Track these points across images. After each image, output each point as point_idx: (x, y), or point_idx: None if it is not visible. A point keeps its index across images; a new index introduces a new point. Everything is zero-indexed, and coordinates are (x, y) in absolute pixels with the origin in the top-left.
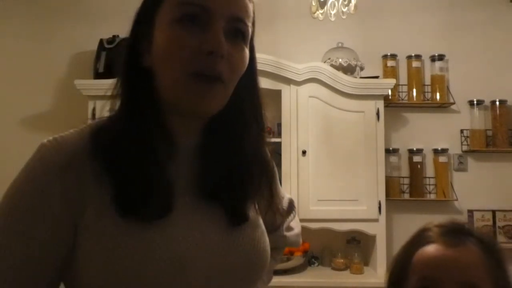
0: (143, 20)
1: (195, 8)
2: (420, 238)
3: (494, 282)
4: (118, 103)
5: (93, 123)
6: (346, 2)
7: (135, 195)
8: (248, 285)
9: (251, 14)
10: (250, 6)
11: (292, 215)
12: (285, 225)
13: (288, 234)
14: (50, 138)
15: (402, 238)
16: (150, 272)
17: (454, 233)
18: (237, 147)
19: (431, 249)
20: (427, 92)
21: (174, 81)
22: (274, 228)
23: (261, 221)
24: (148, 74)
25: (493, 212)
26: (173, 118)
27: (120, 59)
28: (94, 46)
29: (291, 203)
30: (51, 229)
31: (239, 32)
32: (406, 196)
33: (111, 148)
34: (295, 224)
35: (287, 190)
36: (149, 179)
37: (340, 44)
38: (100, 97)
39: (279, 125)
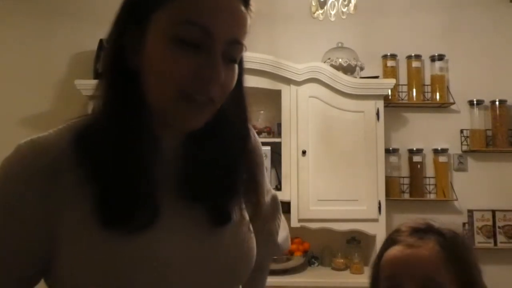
0: (134, 18)
1: (197, 31)
2: (389, 240)
3: (455, 276)
4: (100, 104)
5: (72, 124)
6: (346, 2)
7: (120, 207)
8: (234, 286)
9: (248, 30)
10: (248, 21)
11: (278, 217)
12: (275, 230)
13: (280, 241)
14: (28, 139)
15: None
16: (135, 280)
17: (418, 232)
18: (220, 148)
19: (394, 250)
20: (427, 92)
21: (164, 97)
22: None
23: (246, 220)
24: (134, 75)
25: (493, 212)
26: (157, 121)
27: (104, 56)
28: (94, 46)
29: (274, 200)
30: (24, 236)
31: (236, 55)
32: (406, 196)
33: (94, 153)
34: (282, 226)
35: (287, 190)
36: (135, 188)
37: (340, 44)
38: None
39: (279, 125)
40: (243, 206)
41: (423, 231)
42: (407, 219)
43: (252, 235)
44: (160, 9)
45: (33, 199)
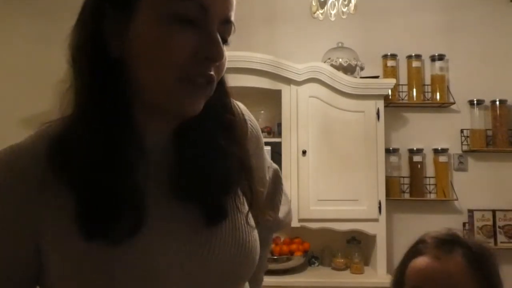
0: (116, 1)
1: (194, 7)
2: (414, 250)
3: (478, 286)
4: (75, 99)
5: (48, 128)
6: (346, 2)
7: (102, 217)
8: (238, 285)
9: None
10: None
11: (279, 192)
12: (276, 204)
13: (281, 216)
14: (2, 149)
15: (402, 238)
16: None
17: (444, 244)
18: (208, 141)
19: (421, 261)
20: (427, 92)
21: (161, 84)
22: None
23: (245, 213)
24: (116, 65)
25: (493, 211)
26: (142, 117)
27: (77, 43)
28: None
29: (276, 174)
30: (8, 249)
31: (227, 35)
32: (406, 196)
33: (73, 159)
34: (284, 200)
35: (287, 190)
36: (115, 195)
37: (340, 44)
38: None
39: (279, 125)
40: (241, 199)
41: (450, 242)
42: (407, 219)
43: (252, 228)
44: None
45: (11, 210)
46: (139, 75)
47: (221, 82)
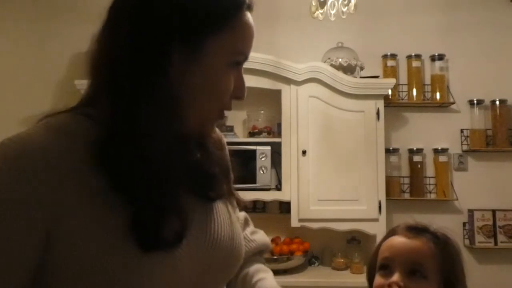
0: (185, 39)
1: (242, 58)
2: (389, 233)
3: (440, 269)
4: (113, 99)
5: (52, 121)
6: (346, 2)
7: (151, 223)
8: (225, 280)
9: None
10: None
11: (250, 224)
12: (248, 231)
13: (256, 237)
14: (13, 138)
15: None
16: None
17: (415, 229)
18: (207, 150)
19: (393, 238)
20: (427, 91)
21: (202, 112)
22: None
23: (235, 217)
24: (174, 87)
25: (493, 211)
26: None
27: (135, 60)
28: None
29: (246, 218)
30: (16, 240)
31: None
32: (406, 195)
33: (111, 162)
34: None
35: (287, 190)
36: (166, 201)
37: (340, 44)
38: None
39: (279, 125)
40: (233, 202)
41: (420, 230)
42: (407, 219)
43: (242, 234)
44: (214, 37)
45: (25, 199)
46: (185, 99)
47: None
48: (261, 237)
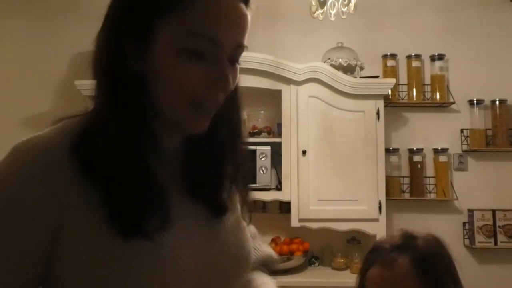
0: (137, 20)
1: (205, 41)
2: (368, 259)
3: (426, 284)
4: (99, 107)
5: (68, 124)
6: (346, 2)
7: (132, 214)
8: (232, 285)
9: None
10: (249, 21)
11: (258, 239)
12: (256, 242)
13: (262, 248)
14: (24, 140)
15: None
16: (155, 283)
17: (392, 251)
18: (215, 147)
19: (373, 271)
20: (427, 91)
21: (173, 104)
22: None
23: (245, 224)
24: (136, 78)
25: (493, 211)
26: (158, 123)
27: (101, 57)
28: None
29: (254, 233)
30: (23, 239)
31: (238, 56)
32: (406, 195)
33: (98, 157)
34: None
35: (287, 190)
36: (144, 193)
37: (340, 44)
38: None
39: (279, 125)
40: (239, 208)
41: (399, 248)
42: (407, 219)
43: (251, 240)
44: (164, 19)
45: (33, 202)
46: (156, 93)
47: (235, 95)
48: (267, 248)
